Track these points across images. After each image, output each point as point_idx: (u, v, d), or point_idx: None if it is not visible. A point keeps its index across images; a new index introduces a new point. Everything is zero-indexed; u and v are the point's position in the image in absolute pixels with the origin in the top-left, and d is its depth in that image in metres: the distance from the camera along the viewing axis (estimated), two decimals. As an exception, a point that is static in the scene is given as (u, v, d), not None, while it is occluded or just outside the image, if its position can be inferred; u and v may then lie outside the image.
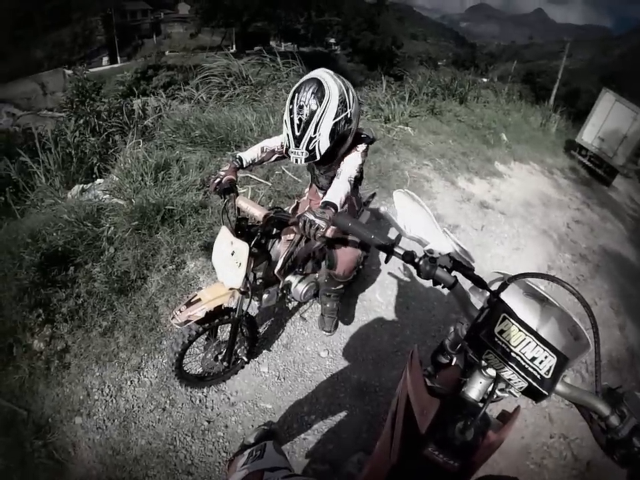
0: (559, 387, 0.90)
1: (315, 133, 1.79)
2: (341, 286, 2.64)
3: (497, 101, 10.98)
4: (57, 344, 2.61)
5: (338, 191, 1.83)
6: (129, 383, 2.52)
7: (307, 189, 2.67)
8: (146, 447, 2.27)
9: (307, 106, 1.76)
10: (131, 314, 2.80)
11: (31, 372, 2.48)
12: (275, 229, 2.01)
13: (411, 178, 5.18)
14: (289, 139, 1.85)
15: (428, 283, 1.07)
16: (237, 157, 2.17)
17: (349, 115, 1.85)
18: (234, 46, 41.21)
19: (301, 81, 1.84)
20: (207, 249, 3.17)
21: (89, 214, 3.21)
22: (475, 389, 1.00)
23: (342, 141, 1.91)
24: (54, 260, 2.88)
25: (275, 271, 2.29)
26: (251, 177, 3.94)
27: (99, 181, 3.94)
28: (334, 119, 1.79)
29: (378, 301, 3.38)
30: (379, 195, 4.44)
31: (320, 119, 1.77)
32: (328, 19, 46.48)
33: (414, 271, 1.09)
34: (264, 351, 2.79)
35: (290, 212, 2.53)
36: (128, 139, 4.37)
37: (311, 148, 1.82)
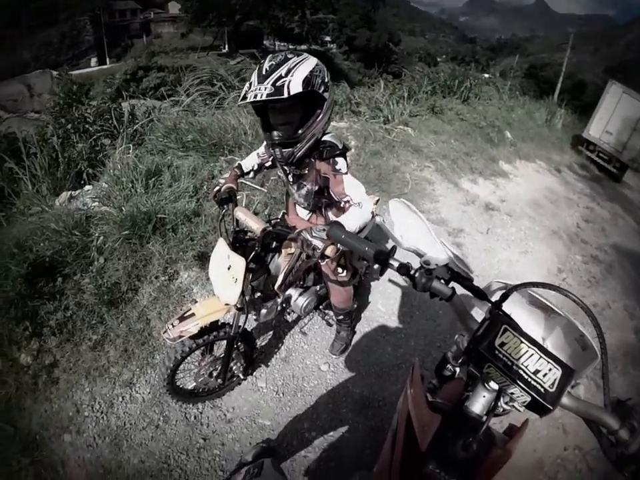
0: (565, 400, 0.87)
1: (286, 75, 1.54)
2: (341, 317, 2.65)
3: (499, 98, 10.63)
4: (45, 358, 2.55)
5: (352, 217, 1.63)
6: (120, 399, 2.45)
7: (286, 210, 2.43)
8: (138, 465, 2.20)
9: (281, 55, 1.60)
10: (122, 327, 2.73)
11: (17, 387, 2.42)
12: (274, 243, 1.92)
13: (412, 181, 5.08)
14: (251, 84, 1.58)
15: (431, 291, 1.07)
16: (237, 164, 2.13)
17: (326, 79, 1.66)
18: (226, 46, 41.26)
19: None
20: (201, 258, 3.11)
21: (78, 223, 3.13)
22: (479, 403, 0.97)
23: (313, 106, 1.70)
24: (41, 271, 2.81)
25: (276, 287, 2.20)
26: (245, 184, 3.84)
27: (87, 187, 3.85)
28: (310, 70, 1.58)
29: (380, 311, 3.28)
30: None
31: (294, 65, 1.56)
32: (323, 17, 46.31)
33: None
34: (262, 366, 2.70)
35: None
36: (117, 144, 4.28)
37: (278, 84, 1.53)
